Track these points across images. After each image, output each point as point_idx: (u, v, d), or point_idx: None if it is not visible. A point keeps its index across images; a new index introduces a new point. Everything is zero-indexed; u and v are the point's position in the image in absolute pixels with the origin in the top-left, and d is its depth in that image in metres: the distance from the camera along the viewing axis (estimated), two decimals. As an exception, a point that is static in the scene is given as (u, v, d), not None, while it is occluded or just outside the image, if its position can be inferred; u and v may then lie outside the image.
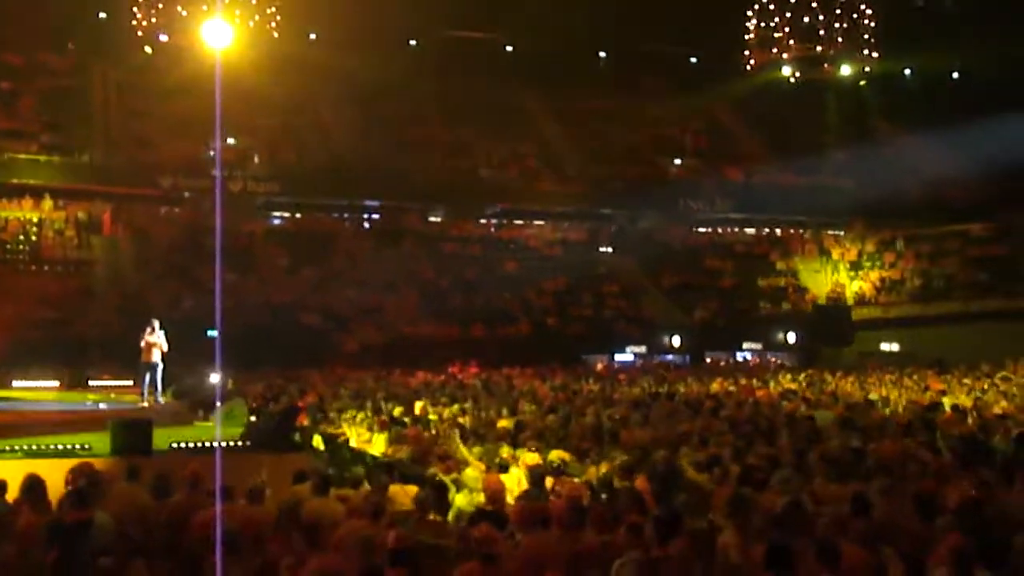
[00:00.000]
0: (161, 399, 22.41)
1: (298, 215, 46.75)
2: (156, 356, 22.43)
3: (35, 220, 41.11)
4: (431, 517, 9.38)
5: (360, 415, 17.53)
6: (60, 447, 14.50)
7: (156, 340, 22.45)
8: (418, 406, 18.76)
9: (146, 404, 21.83)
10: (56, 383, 28.63)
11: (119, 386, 28.04)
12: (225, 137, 44.25)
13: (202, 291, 37.31)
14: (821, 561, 7.17)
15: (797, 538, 7.75)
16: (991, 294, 40.25)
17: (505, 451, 12.72)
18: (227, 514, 9.41)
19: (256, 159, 44.66)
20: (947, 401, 19.99)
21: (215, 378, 22.45)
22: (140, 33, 47.17)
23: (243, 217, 43.61)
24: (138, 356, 22.66)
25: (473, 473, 11.51)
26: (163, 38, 46.21)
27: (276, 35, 47.20)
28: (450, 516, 9.87)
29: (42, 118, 42.70)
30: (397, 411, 18.01)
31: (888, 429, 15.14)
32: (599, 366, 36.07)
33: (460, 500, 10.14)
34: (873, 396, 22.42)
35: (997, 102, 44.50)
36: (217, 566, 7.91)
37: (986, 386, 25.01)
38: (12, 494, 10.03)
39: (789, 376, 29.82)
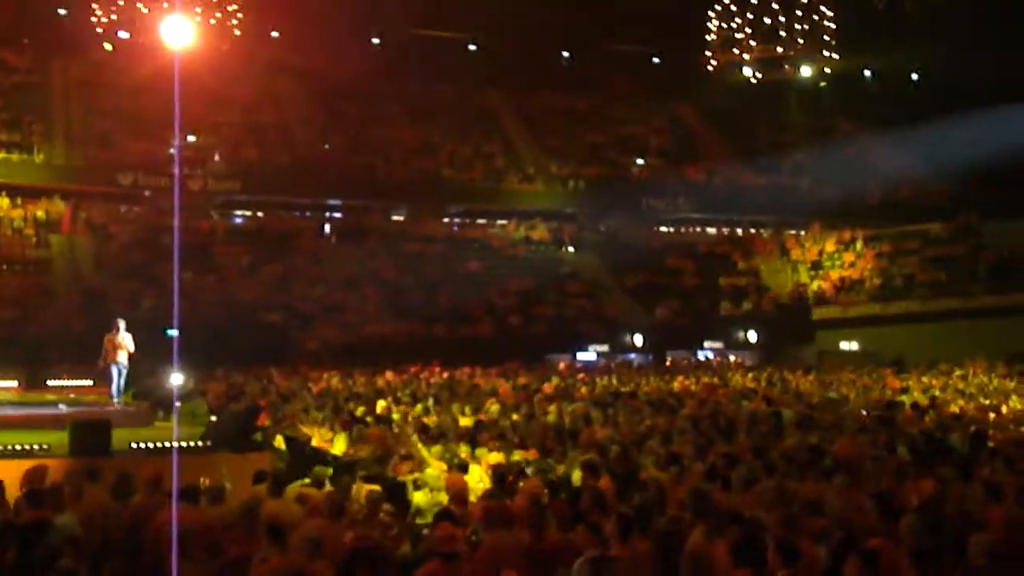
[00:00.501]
0: (120, 401, 21.66)
1: (259, 214, 46.50)
2: (123, 357, 21.61)
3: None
4: (386, 516, 9.37)
5: (321, 415, 17.48)
6: (18, 447, 14.35)
7: (122, 341, 21.65)
8: (380, 405, 18.74)
9: (118, 406, 21.09)
10: (14, 383, 28.31)
11: (78, 386, 27.81)
12: (185, 135, 43.92)
13: (162, 290, 37.03)
14: (780, 558, 7.23)
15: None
16: (949, 294, 40.65)
17: (463, 450, 12.74)
18: (187, 515, 9.37)
19: (217, 157, 44.35)
20: (906, 399, 20.19)
21: (175, 378, 22.35)
22: (100, 30, 46.75)
23: (201, 215, 43.44)
24: (101, 357, 21.85)
25: (434, 472, 11.51)
26: (123, 35, 45.79)
27: (237, 32, 46.91)
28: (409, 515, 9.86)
29: (0, 115, 42.21)
30: (359, 410, 17.98)
31: (847, 427, 15.29)
32: (561, 365, 36.11)
33: (420, 499, 10.14)
34: (832, 395, 22.64)
35: (956, 103, 44.99)
36: (173, 567, 7.87)
37: (944, 384, 25.32)
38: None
39: (750, 375, 30.03)
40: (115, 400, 21.36)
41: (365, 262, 42.88)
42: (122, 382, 21.66)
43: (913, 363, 31.95)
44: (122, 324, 21.84)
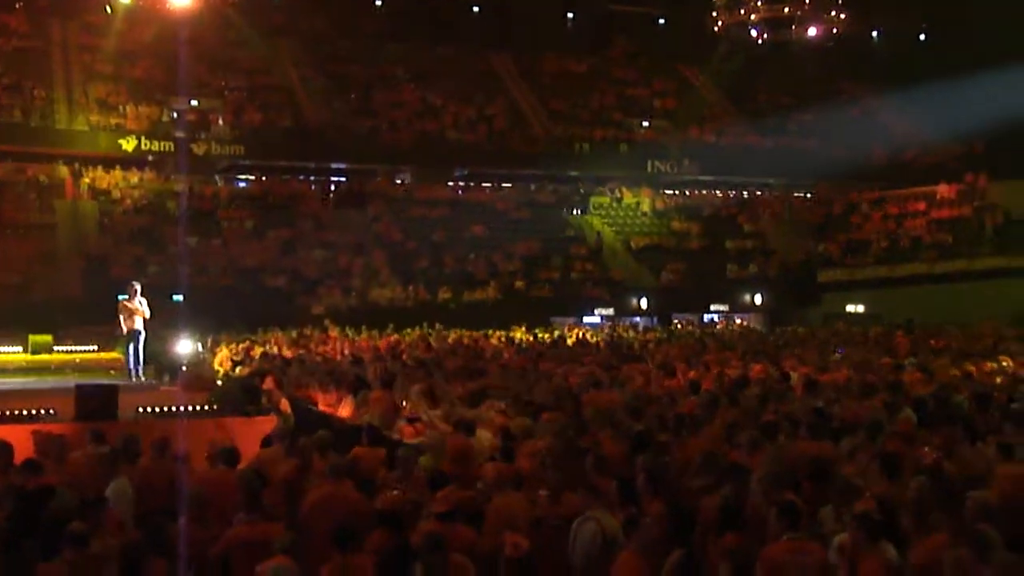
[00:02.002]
0: (142, 375, 20.69)
1: (263, 178, 46.39)
2: (139, 324, 20.47)
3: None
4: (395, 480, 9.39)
5: (327, 378, 17.45)
6: (25, 412, 14.39)
7: (138, 306, 20.56)
8: (386, 368, 18.71)
9: (135, 381, 20.01)
10: (20, 348, 28.38)
11: (83, 351, 27.90)
12: (188, 99, 43.72)
13: (166, 255, 37.05)
14: (781, 520, 7.25)
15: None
16: (956, 255, 40.52)
17: (470, 412, 12.72)
18: (194, 477, 9.40)
19: (220, 121, 44.17)
20: (909, 363, 20.09)
21: (183, 345, 22.38)
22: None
23: (205, 180, 43.40)
24: (117, 323, 20.91)
25: (438, 435, 11.49)
26: (124, -1, 45.43)
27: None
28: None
29: (1, 80, 42.02)
30: (364, 374, 17.94)
31: (851, 390, 15.24)
32: (566, 329, 36.11)
33: (425, 462, 10.13)
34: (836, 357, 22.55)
35: (963, 64, 44.63)
36: (180, 530, 7.87)
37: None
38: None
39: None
40: (133, 375, 20.40)
41: (369, 226, 42.83)
42: (141, 352, 20.69)
43: (920, 325, 31.85)
44: (138, 288, 20.90)
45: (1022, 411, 12.00)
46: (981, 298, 35.22)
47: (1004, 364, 19.85)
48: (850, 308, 41.27)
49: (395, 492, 8.85)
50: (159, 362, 21.68)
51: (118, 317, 20.71)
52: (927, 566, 6.86)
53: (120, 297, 21.42)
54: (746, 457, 9.67)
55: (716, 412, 12.57)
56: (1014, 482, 8.96)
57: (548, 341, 28.57)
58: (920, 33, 56.77)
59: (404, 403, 14.15)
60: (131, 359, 20.53)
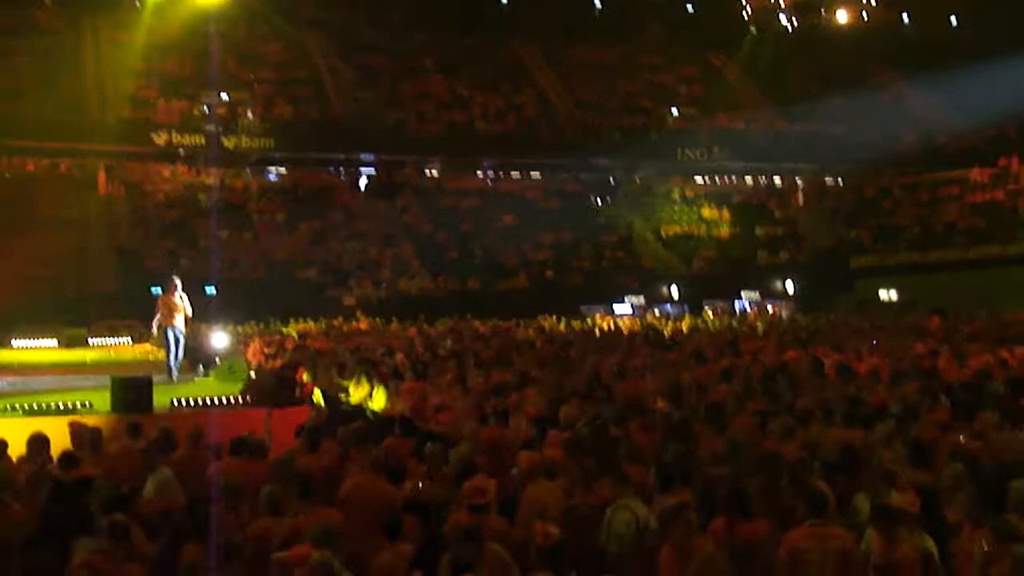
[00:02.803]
0: (178, 373, 19.22)
1: (294, 170, 46.57)
2: (179, 321, 19.01)
3: (29, 178, 41.05)
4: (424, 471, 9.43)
5: (360, 369, 17.50)
6: (61, 405, 14.54)
7: (179, 302, 19.07)
8: (417, 359, 18.76)
9: (176, 381, 18.68)
10: (55, 342, 28.66)
11: (117, 344, 28.14)
12: (218, 93, 43.93)
13: (198, 248, 37.31)
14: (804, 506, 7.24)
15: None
16: (989, 240, 40.13)
17: (501, 403, 12.73)
18: (228, 469, 9.47)
19: (250, 114, 44.36)
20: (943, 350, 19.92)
21: (219, 338, 22.28)
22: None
23: (236, 173, 43.62)
24: (155, 321, 19.29)
25: (472, 425, 11.52)
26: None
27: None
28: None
29: (35, 76, 42.33)
30: (396, 364, 18.00)
31: (884, 377, 15.14)
32: (597, 317, 36.08)
33: (458, 452, 10.15)
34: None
35: (994, 48, 44.16)
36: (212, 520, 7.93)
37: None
38: (18, 451, 10.09)
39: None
40: (173, 373, 19.01)
41: (399, 217, 42.94)
42: (180, 351, 19.27)
43: (954, 311, 31.57)
44: (178, 283, 19.44)
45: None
46: (1015, 283, 34.85)
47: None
48: (883, 294, 40.95)
49: (420, 483, 8.88)
50: (194, 355, 21.70)
51: (156, 314, 19.17)
52: (968, 559, 6.84)
53: (154, 291, 20.98)
54: (778, 445, 9.65)
55: (748, 400, 12.54)
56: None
57: (579, 330, 28.55)
58: (950, 16, 56.24)
59: (436, 393, 14.20)
60: (172, 358, 19.05)
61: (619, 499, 7.90)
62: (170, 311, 18.91)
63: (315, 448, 10.42)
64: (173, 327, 18.87)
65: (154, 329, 19.48)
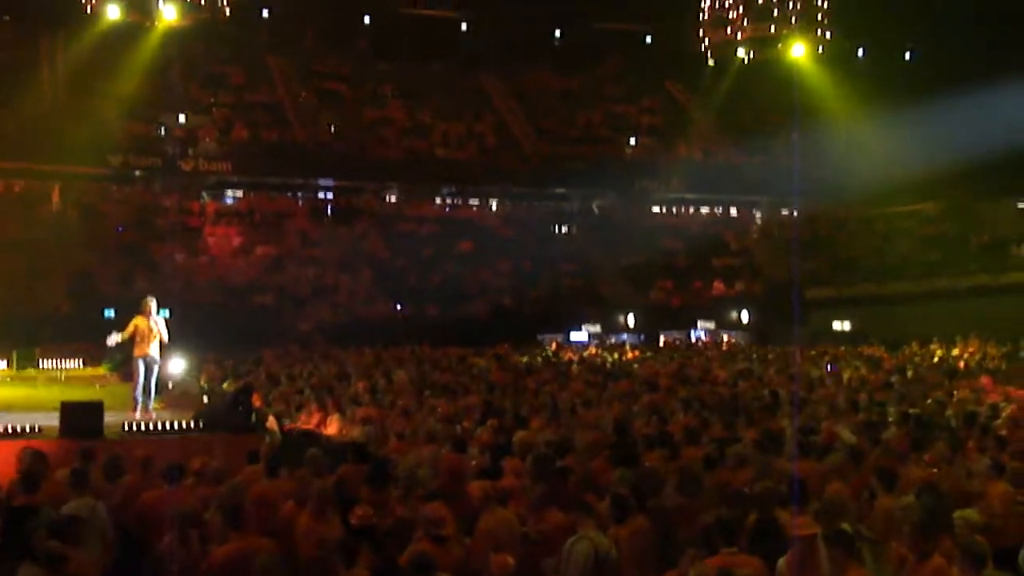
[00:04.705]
0: (152, 407, 16.80)
1: (251, 194, 46.34)
2: (154, 350, 16.58)
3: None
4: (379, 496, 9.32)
5: (314, 396, 17.42)
6: (10, 429, 14.30)
7: (155, 326, 16.56)
8: (373, 385, 18.69)
9: (140, 416, 16.00)
10: (3, 363, 28.22)
11: (69, 366, 27.75)
12: (177, 115, 43.69)
13: (154, 270, 36.97)
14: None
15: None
16: (943, 273, 40.60)
17: (458, 429, 12.71)
18: (178, 495, 9.34)
19: (208, 138, 44.15)
20: (896, 380, 20.16)
21: (176, 363, 21.64)
22: (90, 10, 46.34)
23: (192, 196, 43.33)
24: (118, 337, 16.77)
25: (428, 451, 11.46)
26: (113, 14, 45.31)
27: (227, 12, 46.55)
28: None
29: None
30: (352, 391, 17.93)
31: (837, 408, 15.27)
32: (553, 345, 36.12)
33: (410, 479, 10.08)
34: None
35: (949, 81, 44.83)
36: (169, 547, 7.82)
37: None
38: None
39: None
40: (139, 404, 16.46)
41: (357, 243, 42.81)
42: (152, 382, 16.82)
43: (907, 343, 31.92)
44: (153, 304, 16.83)
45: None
46: (969, 316, 35.26)
47: (984, 384, 19.93)
48: (837, 326, 41.30)
49: (365, 511, 8.69)
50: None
51: (122, 334, 16.65)
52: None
53: (107, 313, 20.30)
54: (730, 475, 9.68)
55: (704, 430, 12.58)
56: (1002, 501, 9.01)
57: (536, 358, 28.56)
58: (906, 51, 57.10)
59: (392, 419, 14.13)
60: (139, 388, 16.55)
61: (579, 529, 7.87)
62: (143, 337, 16.47)
63: (274, 474, 10.31)
64: (146, 356, 16.44)
65: (110, 341, 17.05)
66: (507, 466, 10.36)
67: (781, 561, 7.12)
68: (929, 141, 46.55)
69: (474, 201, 50.04)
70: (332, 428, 14.69)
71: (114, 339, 16.91)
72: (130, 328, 16.48)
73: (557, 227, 48.36)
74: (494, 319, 38.30)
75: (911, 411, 14.60)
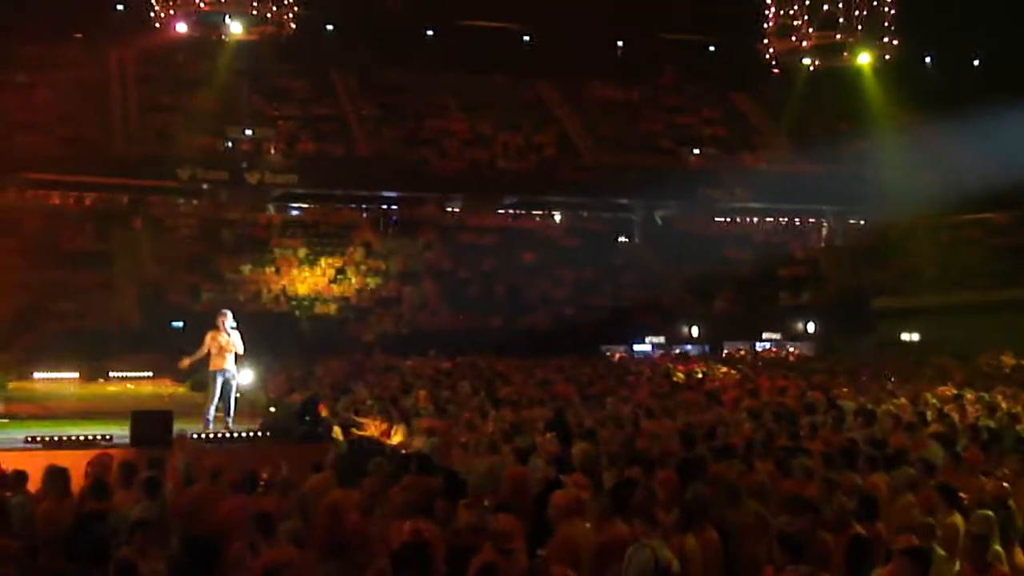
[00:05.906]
0: (231, 422, 16.42)
1: (316, 206, 46.79)
2: (230, 363, 16.32)
3: (53, 211, 41.36)
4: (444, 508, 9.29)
5: (379, 406, 17.49)
6: (81, 437, 14.56)
7: (230, 340, 16.33)
8: (438, 396, 18.72)
9: (215, 432, 15.90)
10: (76, 375, 28.74)
11: (138, 377, 28.21)
12: (243, 129, 44.26)
13: (221, 282, 37.45)
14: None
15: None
16: (1012, 283, 39.86)
17: (524, 440, 12.65)
18: (246, 503, 9.44)
19: (273, 151, 44.66)
20: (967, 393, 19.78)
21: (245, 374, 21.64)
22: (158, 24, 47.15)
23: (258, 208, 43.83)
24: (191, 356, 16.76)
25: (491, 463, 11.45)
26: (181, 29, 46.05)
27: (293, 26, 47.08)
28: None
29: (59, 110, 42.71)
30: (416, 401, 17.97)
31: (904, 420, 15.03)
32: (617, 356, 35.97)
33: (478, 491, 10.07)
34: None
35: (1016, 89, 44.07)
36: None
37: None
38: (34, 484, 10.07)
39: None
40: (209, 423, 16.17)
41: (420, 254, 43.03)
42: (232, 396, 16.51)
43: (975, 354, 31.35)
44: (229, 316, 16.60)
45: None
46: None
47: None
48: (904, 336, 40.71)
49: (420, 525, 8.60)
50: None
51: (198, 352, 16.55)
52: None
53: (175, 325, 20.52)
54: (800, 487, 9.56)
55: (770, 441, 12.45)
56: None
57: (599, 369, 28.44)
58: (974, 59, 56.24)
59: (456, 430, 14.15)
60: (212, 407, 16.22)
61: (642, 539, 7.80)
62: (220, 350, 16.16)
63: (344, 483, 10.37)
64: (223, 370, 16.14)
65: (182, 365, 17.41)
66: (569, 479, 10.30)
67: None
68: (996, 149, 45.84)
69: (536, 212, 50.06)
70: (396, 438, 14.75)
71: (186, 363, 17.00)
72: (204, 347, 16.24)
73: (620, 237, 48.19)
74: (557, 330, 38.21)
75: (982, 423, 14.34)
